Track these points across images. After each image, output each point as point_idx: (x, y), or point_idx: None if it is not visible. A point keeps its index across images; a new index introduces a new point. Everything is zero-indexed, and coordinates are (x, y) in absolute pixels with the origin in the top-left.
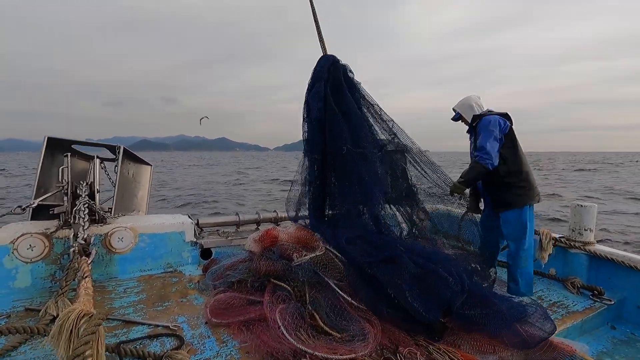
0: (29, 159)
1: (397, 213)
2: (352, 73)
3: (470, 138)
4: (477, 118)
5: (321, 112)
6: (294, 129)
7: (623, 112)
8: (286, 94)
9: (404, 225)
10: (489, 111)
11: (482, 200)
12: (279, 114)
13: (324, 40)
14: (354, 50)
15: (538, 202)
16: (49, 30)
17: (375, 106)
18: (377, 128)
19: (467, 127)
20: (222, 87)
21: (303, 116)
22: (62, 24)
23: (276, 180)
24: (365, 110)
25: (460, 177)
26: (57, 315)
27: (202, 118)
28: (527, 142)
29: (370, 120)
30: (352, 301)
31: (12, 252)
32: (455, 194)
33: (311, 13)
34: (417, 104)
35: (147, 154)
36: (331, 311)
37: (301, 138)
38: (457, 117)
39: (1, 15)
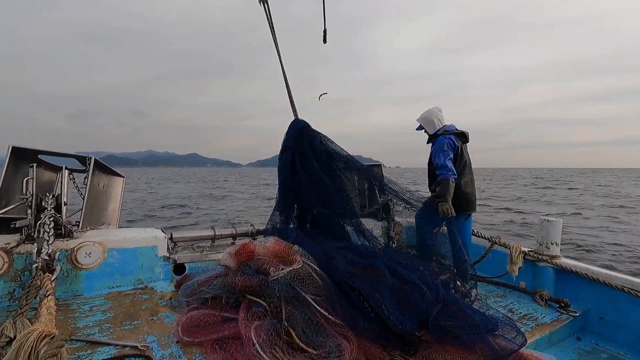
0: None
1: (374, 227)
2: (320, 136)
3: (431, 148)
4: (434, 137)
5: (289, 178)
6: (267, 145)
7: (575, 131)
8: (257, 109)
9: (381, 239)
10: (445, 130)
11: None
12: (250, 130)
13: (294, 103)
14: (320, 67)
15: (474, 211)
16: (7, 40)
17: (344, 158)
18: (347, 182)
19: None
20: (192, 102)
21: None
22: (22, 34)
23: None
24: (335, 167)
25: (438, 196)
26: (15, 336)
27: (322, 95)
28: (492, 157)
29: (342, 177)
30: (329, 316)
31: None
32: (444, 210)
33: (282, 79)
34: (385, 121)
35: None
36: (307, 327)
37: (273, 154)
38: (420, 128)
39: None
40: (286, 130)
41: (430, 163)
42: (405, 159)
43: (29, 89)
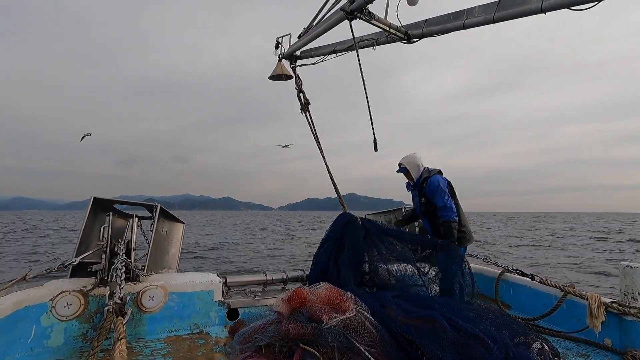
0: (29, 217)
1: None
2: (364, 228)
3: (413, 192)
4: (425, 179)
5: (325, 265)
6: (297, 188)
7: (622, 172)
8: (290, 153)
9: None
10: (427, 170)
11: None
12: (282, 173)
13: (343, 201)
14: (356, 114)
15: (471, 243)
16: (71, 94)
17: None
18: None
19: (406, 180)
20: (228, 148)
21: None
22: (83, 89)
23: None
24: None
25: (448, 238)
26: None
27: (287, 145)
28: (530, 202)
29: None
30: None
31: (50, 310)
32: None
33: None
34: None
35: None
36: None
37: (304, 198)
38: (404, 171)
39: (22, 78)
40: (334, 221)
41: (425, 204)
42: None
43: (86, 139)
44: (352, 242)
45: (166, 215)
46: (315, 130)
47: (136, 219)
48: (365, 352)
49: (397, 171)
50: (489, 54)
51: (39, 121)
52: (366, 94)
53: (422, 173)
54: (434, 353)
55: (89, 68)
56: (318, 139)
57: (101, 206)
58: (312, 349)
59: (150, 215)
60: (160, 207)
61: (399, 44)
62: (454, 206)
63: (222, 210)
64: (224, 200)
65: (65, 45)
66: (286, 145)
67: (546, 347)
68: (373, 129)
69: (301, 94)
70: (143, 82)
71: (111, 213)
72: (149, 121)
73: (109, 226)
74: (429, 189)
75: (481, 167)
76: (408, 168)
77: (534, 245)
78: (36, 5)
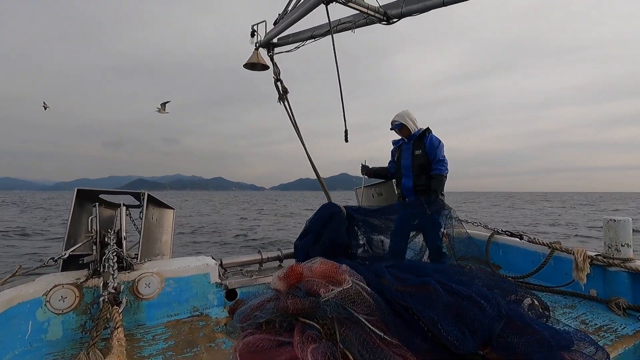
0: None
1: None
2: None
3: (405, 146)
4: (426, 132)
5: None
6: (289, 169)
7: (606, 154)
8: (281, 135)
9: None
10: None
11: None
12: (274, 154)
13: (328, 191)
14: (348, 95)
15: None
16: (57, 74)
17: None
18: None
19: (397, 137)
20: (218, 129)
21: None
22: (69, 68)
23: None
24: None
25: (436, 193)
26: None
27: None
28: (519, 183)
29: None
30: (385, 336)
31: (45, 304)
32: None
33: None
34: None
35: None
36: (364, 348)
37: (296, 178)
38: (399, 127)
39: (7, 59)
40: (316, 211)
41: (419, 157)
42: None
43: (74, 120)
44: (332, 235)
45: (155, 202)
46: (294, 119)
47: (124, 207)
48: (363, 320)
49: (391, 129)
50: (481, 36)
51: (25, 101)
52: (340, 83)
53: (419, 129)
54: (430, 317)
55: (75, 47)
56: (297, 128)
57: (86, 197)
58: (312, 322)
59: (139, 203)
60: (148, 194)
61: (379, 25)
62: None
63: (214, 190)
64: (216, 180)
65: (50, 24)
66: (164, 106)
67: (536, 302)
68: (345, 119)
69: (279, 83)
70: (130, 62)
71: (97, 203)
72: (137, 102)
73: (96, 217)
74: (432, 142)
75: (472, 150)
76: (404, 122)
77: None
78: None
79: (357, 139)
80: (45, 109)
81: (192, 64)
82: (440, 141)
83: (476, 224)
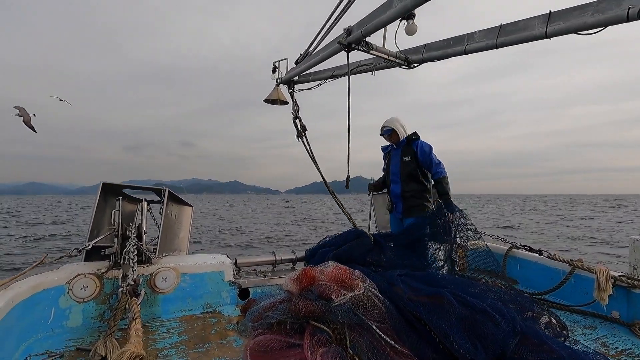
0: (46, 201)
1: (436, 251)
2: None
3: (394, 152)
4: (414, 138)
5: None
6: (304, 172)
7: (629, 155)
8: (295, 138)
9: (443, 264)
10: (413, 135)
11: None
12: (289, 158)
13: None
14: (361, 98)
15: None
16: (78, 81)
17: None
18: None
19: (385, 143)
20: (234, 132)
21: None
22: (89, 76)
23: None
24: None
25: (448, 195)
26: (105, 355)
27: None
28: (540, 184)
29: None
30: (395, 345)
31: (68, 292)
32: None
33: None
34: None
35: None
36: (373, 356)
37: (311, 181)
38: (389, 132)
39: (30, 65)
40: (345, 231)
41: (407, 163)
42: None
43: (94, 124)
44: (353, 252)
45: (175, 199)
46: (313, 155)
47: (145, 202)
48: (374, 327)
49: (381, 134)
50: (486, 21)
51: (47, 108)
52: (349, 125)
53: (406, 136)
54: (442, 328)
55: (94, 55)
56: (317, 163)
57: (111, 191)
58: (322, 326)
59: (159, 199)
60: (169, 191)
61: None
62: None
63: (230, 194)
64: (232, 184)
65: (69, 33)
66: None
67: (554, 320)
68: (349, 164)
69: (297, 120)
70: (147, 68)
71: (120, 198)
72: (155, 107)
73: (119, 210)
74: (423, 148)
75: (488, 150)
76: (394, 128)
77: None
78: None
79: (369, 141)
80: (60, 100)
81: (208, 68)
82: (430, 146)
83: (494, 237)
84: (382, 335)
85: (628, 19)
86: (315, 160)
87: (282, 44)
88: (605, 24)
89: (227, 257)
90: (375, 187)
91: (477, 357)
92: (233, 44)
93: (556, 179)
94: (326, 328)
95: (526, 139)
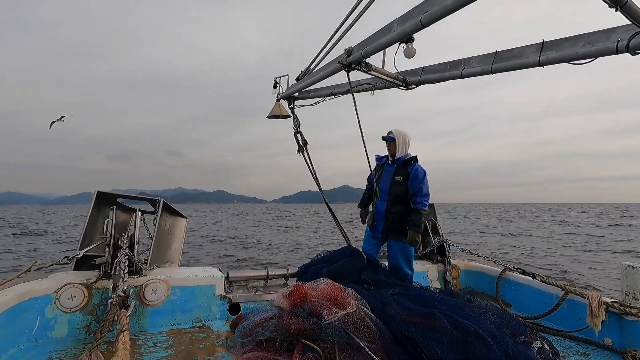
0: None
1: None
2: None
3: (387, 166)
4: (412, 161)
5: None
6: (291, 182)
7: (611, 164)
8: (282, 147)
9: (436, 283)
10: (412, 157)
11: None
12: (275, 167)
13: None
14: (339, 106)
15: None
16: (60, 89)
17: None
18: None
19: (379, 154)
20: (221, 142)
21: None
22: (75, 83)
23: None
24: None
25: (415, 225)
26: None
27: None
28: (527, 194)
29: None
30: None
31: (55, 302)
32: (416, 240)
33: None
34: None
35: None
36: None
37: (297, 191)
38: (391, 140)
39: (11, 72)
40: (338, 249)
41: (399, 183)
42: (435, 193)
43: (79, 134)
44: (346, 270)
45: (169, 210)
46: (314, 171)
47: (139, 213)
48: (365, 347)
49: (383, 138)
50: (481, 48)
51: (28, 115)
52: (363, 139)
53: (407, 154)
54: (433, 351)
55: (81, 63)
56: (317, 179)
57: (105, 200)
58: (312, 344)
59: (153, 209)
60: (164, 201)
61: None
62: None
63: (216, 203)
64: (218, 193)
65: (56, 40)
66: (61, 118)
67: (546, 346)
68: (369, 165)
69: (299, 135)
70: (135, 77)
71: (115, 207)
72: (141, 116)
73: (112, 220)
74: (418, 173)
75: (475, 160)
76: (397, 140)
77: None
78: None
79: (357, 150)
80: (62, 119)
81: (197, 77)
82: (425, 173)
83: (488, 259)
84: (373, 355)
85: (617, 51)
86: (316, 175)
87: (271, 55)
88: (596, 55)
89: (219, 270)
90: (365, 204)
91: None
92: (223, 55)
93: (542, 187)
94: (316, 347)
95: (512, 148)
